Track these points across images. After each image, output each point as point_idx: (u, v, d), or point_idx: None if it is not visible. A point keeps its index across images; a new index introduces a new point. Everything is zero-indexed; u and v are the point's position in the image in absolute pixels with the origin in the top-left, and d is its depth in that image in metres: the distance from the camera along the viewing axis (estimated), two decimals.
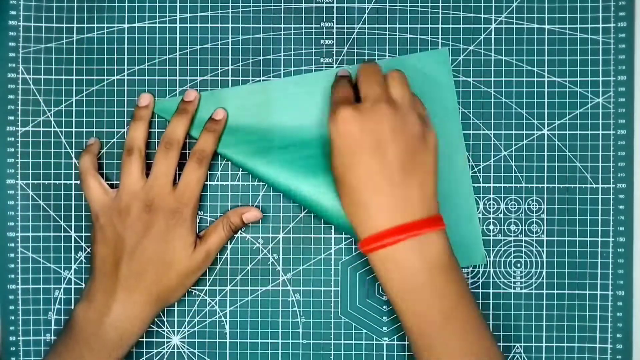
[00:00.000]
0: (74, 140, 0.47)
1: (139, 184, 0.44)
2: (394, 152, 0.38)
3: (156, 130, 0.47)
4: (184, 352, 0.47)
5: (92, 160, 0.46)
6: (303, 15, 0.47)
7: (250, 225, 0.47)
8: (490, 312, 0.47)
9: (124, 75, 0.47)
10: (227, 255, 0.47)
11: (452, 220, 0.46)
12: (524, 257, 0.47)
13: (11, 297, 0.47)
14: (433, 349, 0.39)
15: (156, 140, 0.47)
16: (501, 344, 0.47)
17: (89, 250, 0.47)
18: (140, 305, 0.43)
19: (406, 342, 0.47)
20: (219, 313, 0.47)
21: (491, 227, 0.47)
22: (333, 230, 0.47)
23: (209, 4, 0.47)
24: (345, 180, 0.40)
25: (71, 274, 0.47)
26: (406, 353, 0.47)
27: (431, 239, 0.39)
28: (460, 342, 0.38)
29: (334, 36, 0.47)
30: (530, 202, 0.47)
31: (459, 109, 0.47)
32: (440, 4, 0.47)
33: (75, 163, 0.47)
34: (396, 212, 0.38)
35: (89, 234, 0.47)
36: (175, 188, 0.44)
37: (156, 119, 0.47)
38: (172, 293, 0.44)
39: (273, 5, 0.47)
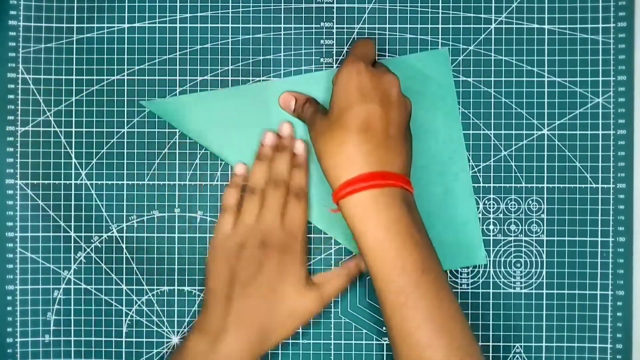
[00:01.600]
0: (74, 140, 0.47)
1: (254, 220, 0.44)
2: (397, 114, 0.40)
3: (162, 130, 0.47)
4: None
5: (236, 196, 0.46)
6: (303, 15, 0.47)
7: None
8: (491, 312, 0.47)
9: (124, 75, 0.47)
10: None
11: (453, 221, 0.46)
12: (524, 257, 0.47)
13: (9, 297, 0.47)
14: (406, 308, 0.37)
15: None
16: (501, 344, 0.47)
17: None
18: (247, 342, 0.42)
19: None
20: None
21: (491, 227, 0.47)
22: None
23: (209, 4, 0.47)
24: (340, 118, 0.39)
25: (71, 274, 0.47)
26: None
27: (407, 195, 0.39)
28: (429, 302, 0.37)
29: (334, 36, 0.47)
30: (530, 202, 0.47)
31: (459, 109, 0.47)
32: (440, 4, 0.47)
33: (75, 163, 0.47)
34: (379, 161, 0.39)
35: (91, 233, 0.47)
36: (282, 222, 0.44)
37: (156, 119, 0.47)
38: (278, 329, 0.43)
39: (273, 5, 0.47)
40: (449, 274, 0.47)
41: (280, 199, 0.44)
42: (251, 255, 0.43)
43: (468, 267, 0.47)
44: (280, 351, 0.47)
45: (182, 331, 0.47)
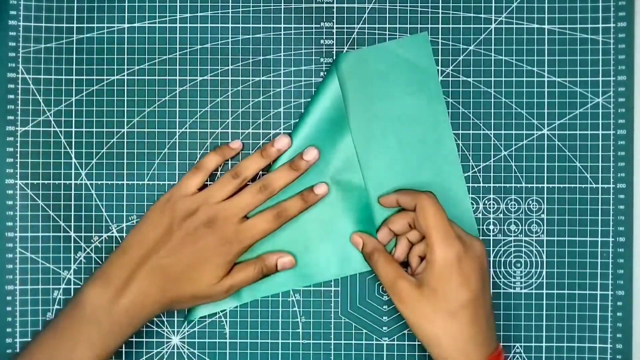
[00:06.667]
0: (73, 140, 0.47)
1: (218, 199, 0.44)
2: (488, 289, 0.43)
3: None
4: (184, 352, 0.47)
5: (217, 163, 0.46)
6: (303, 15, 0.47)
7: None
8: None
9: (124, 75, 0.47)
10: None
11: (444, 202, 0.46)
12: (524, 257, 0.47)
13: (9, 297, 0.47)
14: None
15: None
16: (501, 343, 0.47)
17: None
18: (152, 297, 0.42)
19: (406, 342, 0.47)
20: (219, 313, 0.47)
21: (491, 227, 0.47)
22: None
23: (209, 4, 0.47)
24: (478, 303, 0.41)
25: (70, 274, 0.47)
26: (406, 353, 0.47)
27: None
28: None
29: (334, 36, 0.47)
30: (530, 202, 0.47)
31: (444, 94, 0.47)
32: (440, 4, 0.47)
33: (75, 163, 0.47)
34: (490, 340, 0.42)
35: (91, 233, 0.47)
36: (243, 222, 0.44)
37: (156, 119, 0.47)
38: (181, 304, 0.44)
39: (273, 5, 0.47)
40: None
41: (256, 202, 0.44)
42: (193, 228, 0.43)
43: None
44: (280, 351, 0.47)
45: (182, 331, 0.47)
